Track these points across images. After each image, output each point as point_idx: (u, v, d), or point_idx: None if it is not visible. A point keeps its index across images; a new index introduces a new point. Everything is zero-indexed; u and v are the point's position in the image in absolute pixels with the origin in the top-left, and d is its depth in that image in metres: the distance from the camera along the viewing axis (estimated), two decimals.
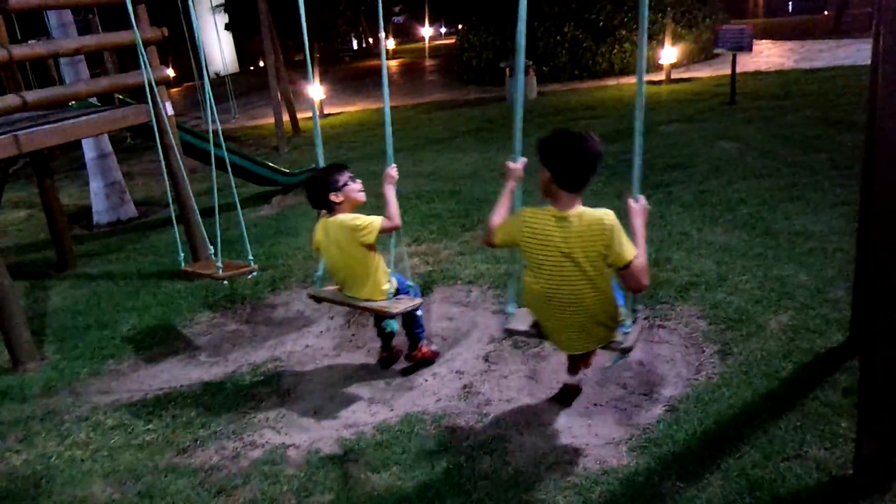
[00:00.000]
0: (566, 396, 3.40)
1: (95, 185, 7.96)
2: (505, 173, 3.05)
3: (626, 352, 2.97)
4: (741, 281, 4.39)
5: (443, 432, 3.22)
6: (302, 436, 3.35)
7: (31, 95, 4.62)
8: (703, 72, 14.30)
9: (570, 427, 3.19)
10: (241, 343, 4.47)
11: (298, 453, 3.20)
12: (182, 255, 4.51)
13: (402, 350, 3.92)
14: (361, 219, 3.41)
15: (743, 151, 7.52)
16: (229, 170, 5.60)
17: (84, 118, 5.12)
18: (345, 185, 3.47)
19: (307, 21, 3.64)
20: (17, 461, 3.38)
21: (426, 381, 3.73)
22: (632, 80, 14.46)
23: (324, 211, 3.56)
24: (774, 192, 6.00)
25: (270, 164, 8.27)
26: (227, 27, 29.21)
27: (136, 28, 4.28)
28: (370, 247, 3.45)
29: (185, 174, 5.16)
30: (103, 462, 3.29)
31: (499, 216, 2.97)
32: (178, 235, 4.53)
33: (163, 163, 4.97)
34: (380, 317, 3.69)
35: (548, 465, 2.92)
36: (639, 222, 2.86)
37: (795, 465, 2.72)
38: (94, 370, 4.27)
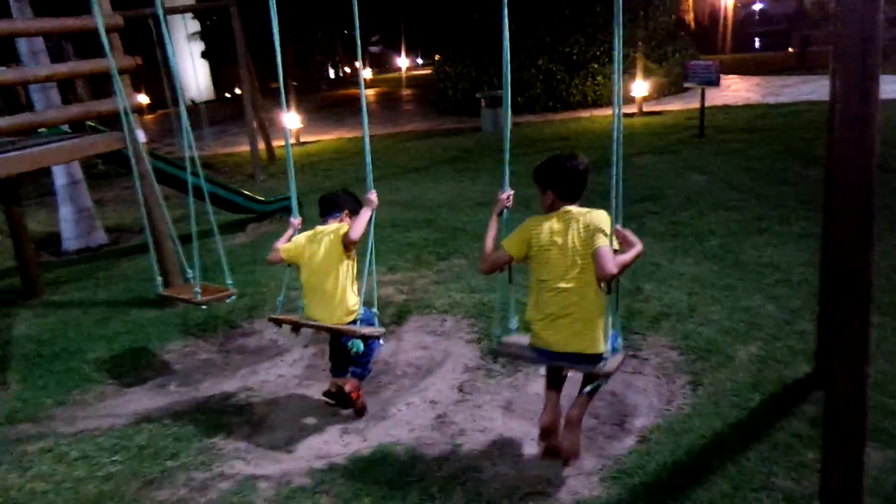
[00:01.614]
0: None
1: (65, 211, 7.86)
2: (495, 203, 3.28)
3: (606, 376, 2.97)
4: (711, 312, 4.46)
5: (416, 462, 3.20)
6: (273, 467, 3.30)
7: (2, 122, 4.58)
8: (674, 105, 14.63)
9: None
10: (213, 372, 4.41)
11: (269, 485, 3.15)
12: (159, 279, 4.47)
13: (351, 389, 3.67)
14: (342, 227, 3.64)
15: (712, 183, 7.68)
16: (207, 197, 5.58)
17: (54, 145, 5.09)
18: (357, 213, 3.68)
19: (283, 50, 3.67)
20: None
21: (399, 410, 3.72)
22: (605, 111, 14.75)
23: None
24: (743, 224, 6.13)
25: (246, 192, 8.25)
26: (204, 55, 29.27)
27: (110, 56, 4.28)
28: (343, 257, 3.62)
29: (161, 200, 5.12)
30: (67, 495, 3.21)
31: (491, 242, 3.23)
32: (154, 261, 4.49)
33: (138, 189, 4.94)
34: (337, 341, 3.70)
35: (520, 496, 2.92)
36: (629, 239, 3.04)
37: (763, 495, 2.75)
38: (60, 400, 4.18)
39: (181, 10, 12.30)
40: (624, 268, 2.87)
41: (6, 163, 4.63)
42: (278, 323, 3.86)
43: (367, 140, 3.59)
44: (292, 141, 14.87)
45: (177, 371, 4.47)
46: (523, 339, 3.20)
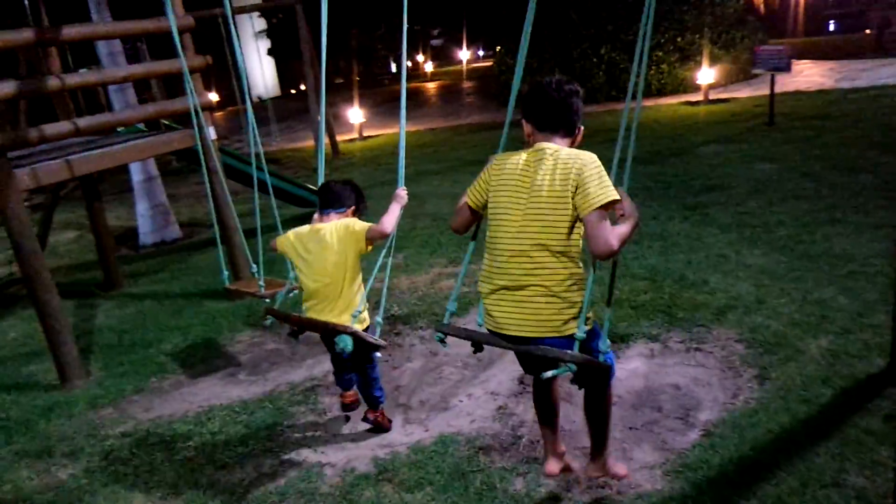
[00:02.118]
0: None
1: (142, 206, 8.21)
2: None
3: (574, 361, 2.31)
4: (780, 304, 4.34)
5: (477, 453, 3.24)
6: (338, 454, 3.40)
7: (83, 122, 4.81)
8: (742, 92, 14.18)
9: None
10: (280, 362, 4.55)
11: (334, 472, 3.25)
12: (226, 273, 4.63)
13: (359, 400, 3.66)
14: (356, 221, 3.28)
15: (782, 172, 7.44)
16: (271, 192, 5.73)
17: (132, 143, 5.32)
18: (360, 211, 3.45)
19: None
20: (64, 475, 3.49)
21: (461, 401, 3.76)
22: (669, 100, 14.43)
23: (315, 217, 3.44)
24: (814, 214, 5.92)
25: (311, 186, 8.42)
26: (270, 52, 29.93)
27: (182, 56, 4.44)
28: (356, 255, 3.24)
29: (228, 196, 5.30)
30: (145, 477, 3.39)
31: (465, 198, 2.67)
32: (221, 256, 4.65)
33: (207, 185, 5.12)
34: (330, 338, 3.24)
35: (581, 489, 2.92)
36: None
37: (834, 493, 2.68)
38: (138, 387, 4.39)
39: (248, 9, 12.63)
40: (624, 242, 2.28)
41: (88, 161, 4.87)
42: (275, 315, 3.52)
43: (402, 136, 3.36)
44: (355, 135, 15.11)
45: (246, 361, 4.63)
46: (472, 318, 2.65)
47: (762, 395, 3.41)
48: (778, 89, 10.96)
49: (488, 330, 2.58)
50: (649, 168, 8.27)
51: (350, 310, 3.24)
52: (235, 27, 4.40)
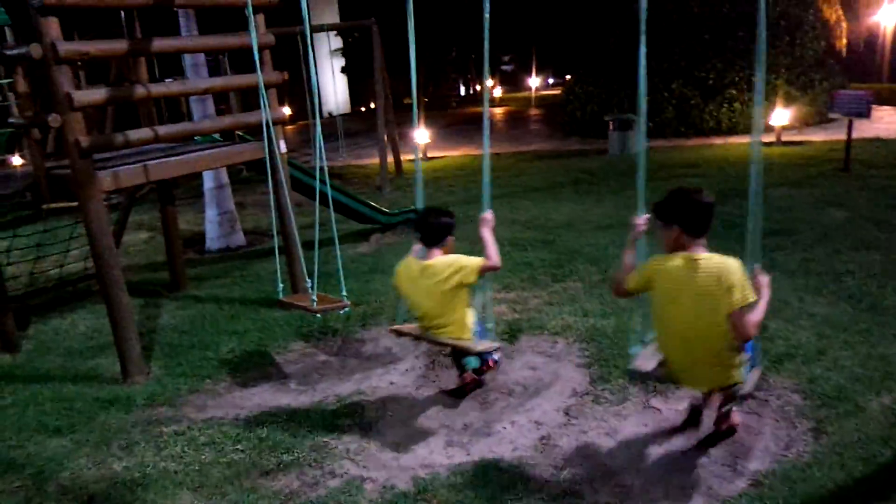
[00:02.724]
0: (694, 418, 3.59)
1: (210, 213, 8.50)
2: (631, 228, 3.43)
3: (744, 398, 3.27)
4: (842, 356, 4.20)
5: (516, 482, 3.24)
6: (379, 470, 3.44)
7: (163, 130, 5.05)
8: (817, 136, 13.80)
9: (646, 491, 3.14)
10: (329, 374, 4.64)
11: (374, 487, 3.29)
12: (281, 285, 4.75)
13: (473, 381, 4.15)
14: (463, 259, 3.65)
15: (854, 220, 7.20)
16: (331, 206, 5.87)
17: (207, 152, 5.54)
18: (451, 239, 3.82)
19: (417, 67, 3.88)
20: (118, 467, 3.63)
21: (504, 428, 3.76)
22: (739, 139, 14.16)
23: (417, 248, 3.85)
24: (886, 266, 5.72)
25: (372, 203, 8.58)
26: (343, 70, 30.67)
27: (259, 72, 4.62)
28: (464, 287, 3.68)
29: (290, 208, 5.45)
30: (194, 476, 3.49)
31: (626, 267, 3.35)
32: (279, 266, 4.78)
33: (271, 196, 5.29)
34: (458, 353, 3.94)
35: None
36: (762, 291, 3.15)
37: None
38: (194, 388, 4.53)
39: (326, 28, 12.99)
40: (759, 326, 2.96)
41: (165, 167, 5.10)
42: (399, 334, 4.05)
43: (486, 158, 3.81)
44: (420, 156, 15.29)
45: (296, 371, 4.73)
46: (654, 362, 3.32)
47: (817, 450, 3.31)
48: (856, 135, 10.62)
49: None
50: (716, 208, 8.11)
51: (466, 330, 3.74)
52: (312, 45, 4.56)
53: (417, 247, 3.90)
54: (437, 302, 3.71)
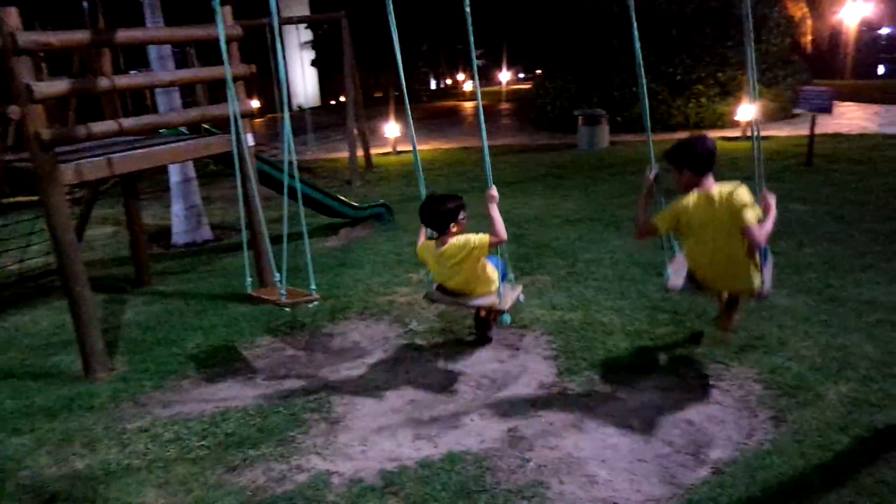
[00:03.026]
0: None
1: (177, 207, 8.39)
2: (644, 182, 3.99)
3: (759, 296, 3.80)
4: (802, 347, 4.29)
5: (483, 473, 3.26)
6: (346, 464, 3.43)
7: (127, 122, 4.96)
8: (782, 131, 14.05)
9: (611, 480, 3.18)
10: (297, 369, 4.61)
11: (341, 481, 3.28)
12: (250, 279, 4.71)
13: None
14: (473, 240, 3.99)
15: (816, 214, 7.35)
16: (300, 200, 5.82)
17: (172, 145, 5.46)
18: (463, 217, 4.15)
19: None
20: (80, 465, 3.58)
21: (472, 420, 3.78)
22: (707, 134, 14.32)
23: (429, 230, 4.27)
24: (845, 259, 5.85)
25: (341, 197, 8.54)
26: (313, 63, 30.44)
27: (227, 64, 4.56)
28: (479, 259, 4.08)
29: (259, 202, 5.40)
30: (158, 473, 3.45)
31: (643, 214, 3.92)
32: (247, 260, 4.74)
33: (239, 190, 5.23)
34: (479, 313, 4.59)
35: None
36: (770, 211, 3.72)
37: None
38: (158, 384, 4.48)
39: (296, 20, 12.88)
40: (769, 233, 3.51)
41: (130, 160, 5.01)
42: (433, 300, 4.44)
43: (485, 144, 4.06)
44: (389, 150, 15.28)
45: (264, 365, 4.70)
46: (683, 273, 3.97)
47: (777, 438, 3.38)
48: (819, 130, 10.84)
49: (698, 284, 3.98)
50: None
51: (491, 283, 4.18)
52: (281, 38, 4.52)
53: (423, 231, 4.37)
54: (460, 278, 4.15)
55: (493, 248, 4.00)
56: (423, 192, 4.32)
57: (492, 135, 17.61)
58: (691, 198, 3.65)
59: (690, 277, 3.98)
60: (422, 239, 4.39)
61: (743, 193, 3.51)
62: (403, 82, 4.13)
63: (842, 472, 3.07)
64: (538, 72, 21.27)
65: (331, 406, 4.04)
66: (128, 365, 4.80)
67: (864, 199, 7.86)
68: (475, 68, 4.05)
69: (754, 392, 3.83)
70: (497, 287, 4.16)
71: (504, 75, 31.83)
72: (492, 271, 4.22)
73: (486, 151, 4.03)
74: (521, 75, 42.17)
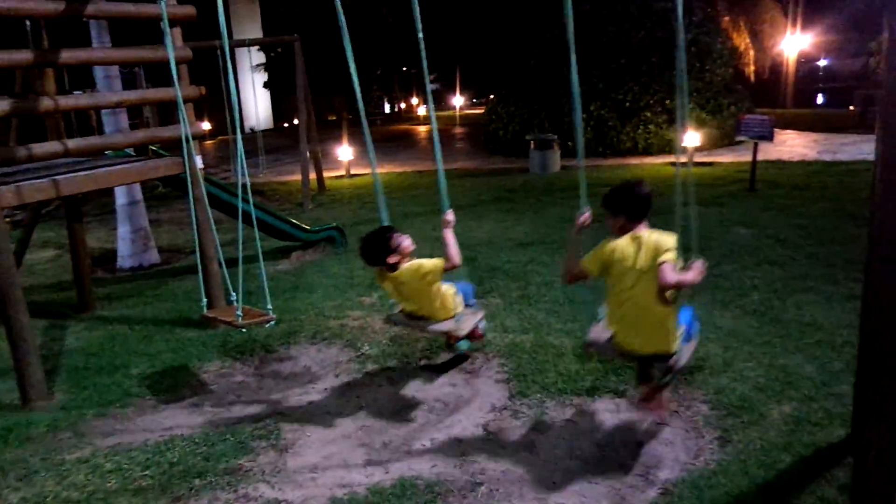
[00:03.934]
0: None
1: (122, 230, 8.19)
2: (575, 222, 3.74)
3: (679, 371, 3.54)
4: (746, 368, 4.39)
5: (435, 499, 3.23)
6: (295, 492, 3.37)
7: (72, 143, 4.85)
8: (726, 157, 14.50)
9: (563, 502, 3.19)
10: (246, 395, 4.52)
11: None
12: (206, 300, 4.62)
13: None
14: (426, 265, 3.98)
15: (759, 238, 7.58)
16: (255, 223, 5.76)
17: (119, 167, 5.35)
18: (398, 245, 4.03)
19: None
20: (15, 498, 3.43)
21: (423, 445, 3.75)
22: (654, 160, 14.72)
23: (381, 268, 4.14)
24: (787, 282, 6.03)
25: (293, 220, 8.46)
26: (266, 85, 30.23)
27: (177, 85, 4.51)
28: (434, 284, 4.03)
29: (212, 224, 5.32)
30: None
31: (574, 257, 3.68)
32: (201, 282, 4.64)
33: (192, 213, 5.15)
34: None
35: None
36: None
37: None
38: (100, 413, 4.33)
39: (248, 42, 12.78)
40: (680, 283, 3.35)
41: (74, 182, 4.88)
42: (394, 324, 4.42)
43: (440, 170, 4.27)
44: (342, 172, 15.23)
45: (212, 391, 4.60)
46: (606, 335, 3.68)
47: (723, 458, 3.44)
48: (761, 157, 11.23)
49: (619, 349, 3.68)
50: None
51: (450, 310, 4.12)
52: (233, 60, 4.49)
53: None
54: (415, 303, 4.14)
55: (447, 272, 3.98)
56: (383, 214, 4.37)
57: (445, 158, 17.61)
58: (621, 240, 3.52)
59: (613, 338, 3.68)
60: None
61: (670, 240, 3.42)
62: (362, 105, 4.20)
63: (784, 491, 3.14)
64: (491, 97, 21.54)
65: (280, 433, 3.97)
66: (68, 393, 4.64)
67: (805, 224, 8.14)
68: (429, 93, 4.12)
69: (701, 412, 3.90)
70: (455, 314, 4.14)
71: (457, 100, 32.14)
72: (451, 296, 4.18)
73: (442, 175, 4.11)
74: (475, 100, 42.67)
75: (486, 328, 4.88)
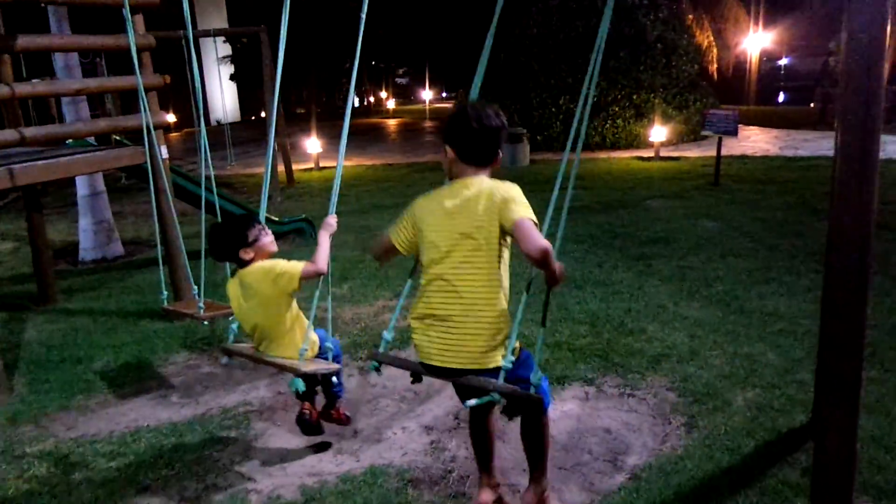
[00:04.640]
0: None
1: (84, 222, 8.02)
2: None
3: (502, 393, 2.41)
4: (712, 356, 4.47)
5: (406, 486, 3.23)
6: (265, 481, 3.34)
7: (30, 132, 4.73)
8: (692, 152, 14.71)
9: None
10: (215, 386, 4.47)
11: (259, 498, 3.19)
12: (165, 293, 4.55)
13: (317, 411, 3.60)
14: (281, 265, 3.18)
15: (724, 231, 7.71)
16: (218, 214, 5.70)
17: (79, 156, 5.23)
18: (255, 240, 3.25)
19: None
20: None
21: (394, 434, 3.75)
22: (623, 154, 14.89)
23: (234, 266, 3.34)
24: (751, 273, 6.14)
25: (266, 213, 8.36)
26: (232, 77, 29.85)
27: (138, 73, 4.43)
28: (290, 296, 3.24)
29: (174, 216, 5.24)
30: (62, 498, 3.26)
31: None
32: (162, 275, 4.57)
33: (153, 204, 5.06)
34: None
35: None
36: None
37: None
38: (63, 405, 4.24)
39: (213, 33, 12.59)
40: (550, 257, 2.26)
41: (32, 171, 4.76)
42: (230, 354, 3.52)
43: (341, 160, 3.48)
44: (311, 165, 15.11)
45: (179, 383, 4.53)
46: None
47: (689, 443, 3.49)
48: (725, 152, 11.43)
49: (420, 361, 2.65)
50: (598, 217, 8.47)
51: (294, 342, 3.28)
52: (198, 50, 4.43)
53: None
54: (263, 314, 3.25)
55: (307, 280, 3.18)
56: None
57: (415, 151, 17.77)
58: (436, 193, 2.57)
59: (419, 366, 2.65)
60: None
61: (513, 186, 2.49)
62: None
63: (748, 474, 3.20)
64: (460, 91, 21.55)
65: (249, 423, 3.93)
66: (28, 386, 4.54)
67: (768, 217, 8.30)
68: (353, 83, 3.44)
69: (668, 400, 3.96)
70: (302, 349, 3.21)
71: (427, 93, 32.09)
72: (304, 327, 3.29)
73: (339, 176, 3.30)
74: (444, 94, 42.63)
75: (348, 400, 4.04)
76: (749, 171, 11.81)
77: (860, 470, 3.03)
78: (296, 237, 8.18)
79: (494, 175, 2.65)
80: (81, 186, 7.96)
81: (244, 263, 3.25)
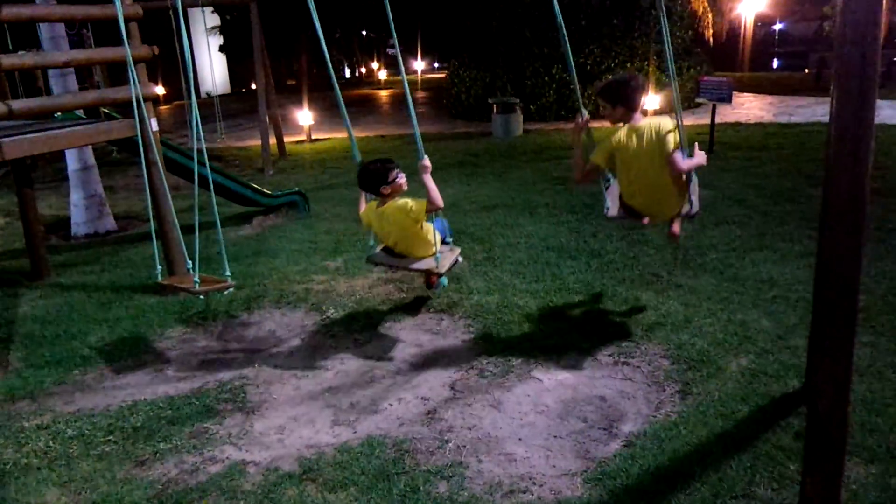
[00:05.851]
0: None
1: (76, 196, 7.96)
2: (574, 127, 4.22)
3: (691, 217, 4.36)
4: (706, 323, 4.49)
5: (403, 456, 3.25)
6: (263, 453, 3.36)
7: (17, 104, 4.66)
8: (686, 120, 14.42)
9: (528, 457, 3.24)
10: (210, 359, 4.48)
11: (257, 470, 3.21)
12: (160, 268, 4.53)
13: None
14: (410, 203, 4.22)
15: (717, 199, 7.70)
16: (211, 188, 5.62)
17: (68, 129, 5.17)
18: (393, 180, 4.30)
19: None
20: None
21: (391, 405, 3.77)
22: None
23: (370, 195, 4.43)
24: (745, 240, 6.15)
25: (254, 185, 8.33)
26: (221, 49, 29.48)
27: (126, 44, 4.36)
28: (417, 221, 4.27)
29: (167, 189, 5.19)
30: (61, 471, 3.28)
31: (581, 159, 4.20)
32: (156, 249, 4.55)
33: (145, 178, 5.01)
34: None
35: (503, 493, 2.96)
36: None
37: (743, 503, 2.78)
38: (59, 380, 4.25)
39: (201, 3, 12.37)
40: (691, 167, 3.98)
41: (20, 145, 4.71)
42: (376, 263, 4.59)
43: (414, 120, 4.32)
44: (303, 137, 14.99)
45: (175, 357, 4.54)
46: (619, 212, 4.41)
47: (683, 409, 3.52)
48: (719, 119, 11.36)
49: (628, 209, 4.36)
50: (592, 187, 8.44)
51: (430, 246, 4.32)
52: (186, 20, 4.35)
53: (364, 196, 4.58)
54: (400, 236, 4.34)
55: (430, 214, 4.25)
56: (357, 157, 4.45)
57: (407, 122, 17.56)
58: (621, 132, 3.99)
59: (624, 206, 4.34)
60: (363, 206, 4.56)
61: (667, 121, 3.93)
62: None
63: (742, 439, 3.24)
64: (452, 61, 21.33)
65: (246, 396, 3.95)
66: (24, 361, 4.54)
67: (762, 184, 8.29)
68: (398, 54, 4.21)
69: (662, 367, 3.98)
70: (435, 251, 4.29)
71: (419, 64, 31.78)
72: (432, 235, 4.32)
73: (416, 125, 4.25)
74: (436, 64, 42.22)
75: (462, 265, 5.51)
76: (743, 139, 11.77)
77: (852, 433, 3.07)
78: (289, 210, 8.15)
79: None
80: (72, 160, 7.88)
81: (381, 195, 4.30)
